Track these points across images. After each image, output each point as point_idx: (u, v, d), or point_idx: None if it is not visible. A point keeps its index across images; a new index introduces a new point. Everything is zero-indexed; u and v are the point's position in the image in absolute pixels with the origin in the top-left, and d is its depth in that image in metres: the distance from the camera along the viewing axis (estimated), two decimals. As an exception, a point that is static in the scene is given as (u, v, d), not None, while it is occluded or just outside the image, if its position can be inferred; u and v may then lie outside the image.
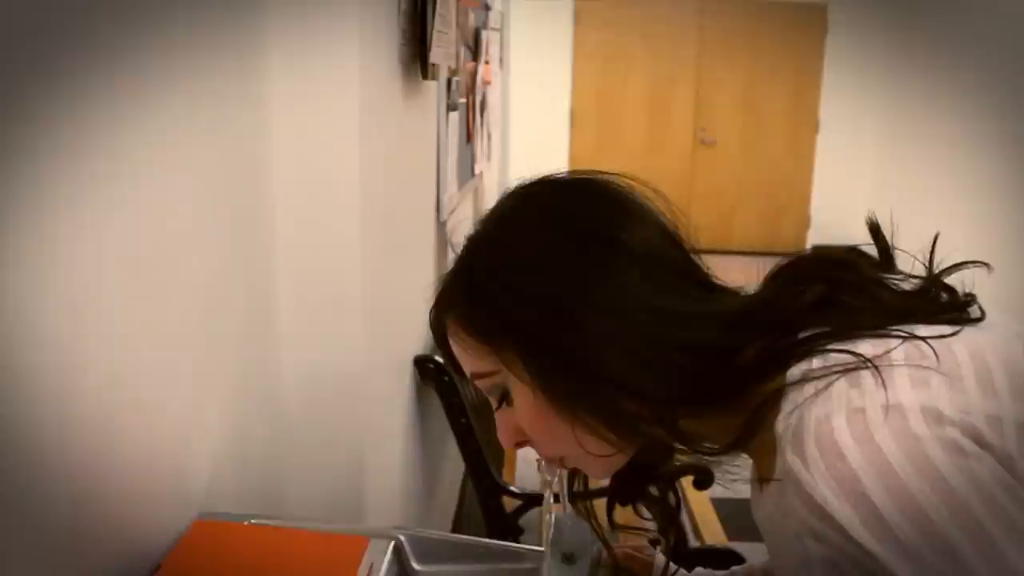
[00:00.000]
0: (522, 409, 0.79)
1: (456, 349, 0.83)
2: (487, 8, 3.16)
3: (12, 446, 0.62)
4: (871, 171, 7.60)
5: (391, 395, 1.69)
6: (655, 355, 0.73)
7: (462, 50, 2.37)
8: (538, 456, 0.86)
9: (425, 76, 1.54)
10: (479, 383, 0.82)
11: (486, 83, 3.16)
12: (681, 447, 0.78)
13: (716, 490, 2.92)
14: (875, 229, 0.84)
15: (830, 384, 0.66)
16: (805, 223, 8.06)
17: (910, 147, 6.91)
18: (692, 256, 0.84)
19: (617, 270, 0.76)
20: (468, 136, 2.58)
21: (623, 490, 0.95)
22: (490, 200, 3.35)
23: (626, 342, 0.73)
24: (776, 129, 7.91)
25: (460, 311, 0.80)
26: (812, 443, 0.63)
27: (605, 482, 0.93)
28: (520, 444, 0.84)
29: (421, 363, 1.86)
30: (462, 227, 2.47)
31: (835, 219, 7.98)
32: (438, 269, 2.13)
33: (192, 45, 0.92)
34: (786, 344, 0.72)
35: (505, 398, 0.80)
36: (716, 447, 0.75)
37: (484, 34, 2.92)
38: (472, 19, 2.57)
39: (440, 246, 2.13)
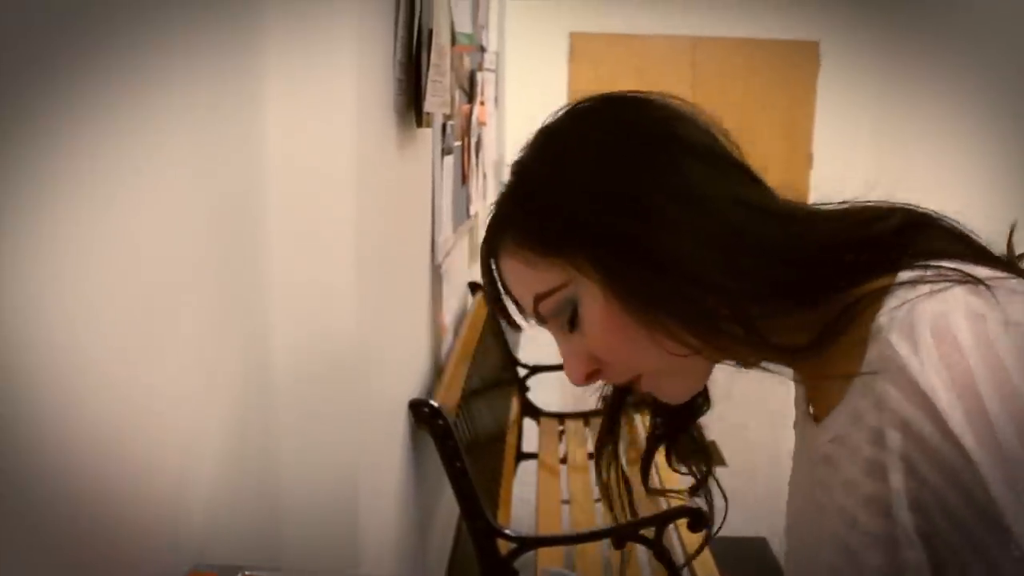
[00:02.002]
0: (595, 322, 0.75)
1: (515, 277, 0.79)
2: (483, 50, 3.19)
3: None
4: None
5: (386, 439, 1.70)
6: (735, 246, 0.71)
7: (457, 94, 2.39)
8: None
9: (420, 124, 1.56)
10: (545, 308, 0.77)
11: (481, 124, 3.19)
12: (760, 346, 0.72)
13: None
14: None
15: (947, 289, 0.64)
16: (800, 257, 8.07)
17: (901, 180, 6.93)
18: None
19: (685, 163, 0.74)
20: (463, 178, 2.60)
21: (671, 432, 0.92)
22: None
23: (703, 231, 0.71)
24: (770, 163, 7.79)
25: (519, 228, 0.77)
26: (927, 331, 0.61)
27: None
28: (591, 377, 0.80)
29: (416, 407, 1.87)
30: (457, 267, 2.47)
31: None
32: (433, 312, 2.15)
33: (191, 106, 0.94)
34: (901, 245, 0.70)
35: (574, 320, 0.76)
36: (798, 345, 0.71)
37: (479, 76, 2.95)
38: (467, 62, 2.60)
39: (436, 288, 2.14)
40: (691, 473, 0.94)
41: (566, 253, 0.74)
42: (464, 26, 2.23)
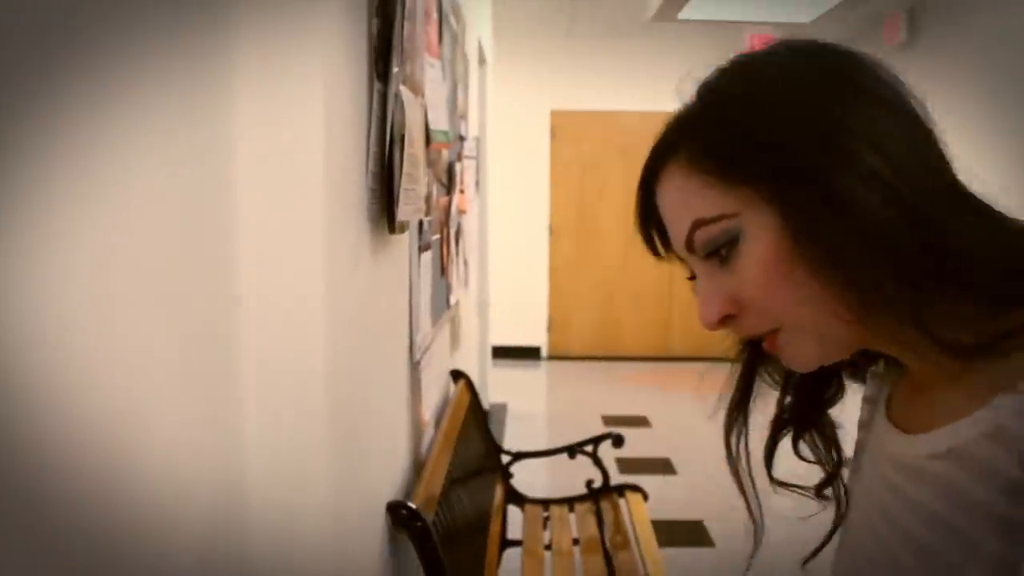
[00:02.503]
0: (757, 261, 0.72)
1: (678, 200, 0.77)
2: (462, 139, 3.25)
3: None
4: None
5: (364, 542, 1.68)
6: (926, 218, 0.67)
7: (435, 188, 2.43)
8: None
9: (392, 231, 1.58)
10: (702, 236, 0.74)
11: (461, 212, 3.23)
12: (922, 331, 0.68)
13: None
14: None
15: None
16: (785, 328, 8.12)
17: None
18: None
19: (890, 120, 0.71)
20: (442, 270, 2.62)
21: (801, 418, 0.88)
22: (468, 324, 3.38)
23: (898, 193, 0.68)
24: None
25: (700, 147, 0.74)
26: None
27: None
28: (725, 321, 0.77)
29: (394, 509, 1.86)
30: (438, 358, 2.47)
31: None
32: (413, 408, 2.15)
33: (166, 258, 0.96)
34: None
35: (728, 255, 0.74)
36: (963, 344, 0.68)
37: (458, 166, 2.99)
38: (445, 156, 2.64)
39: (415, 385, 2.14)
40: (820, 464, 0.90)
41: (750, 180, 0.71)
42: (440, 124, 2.27)
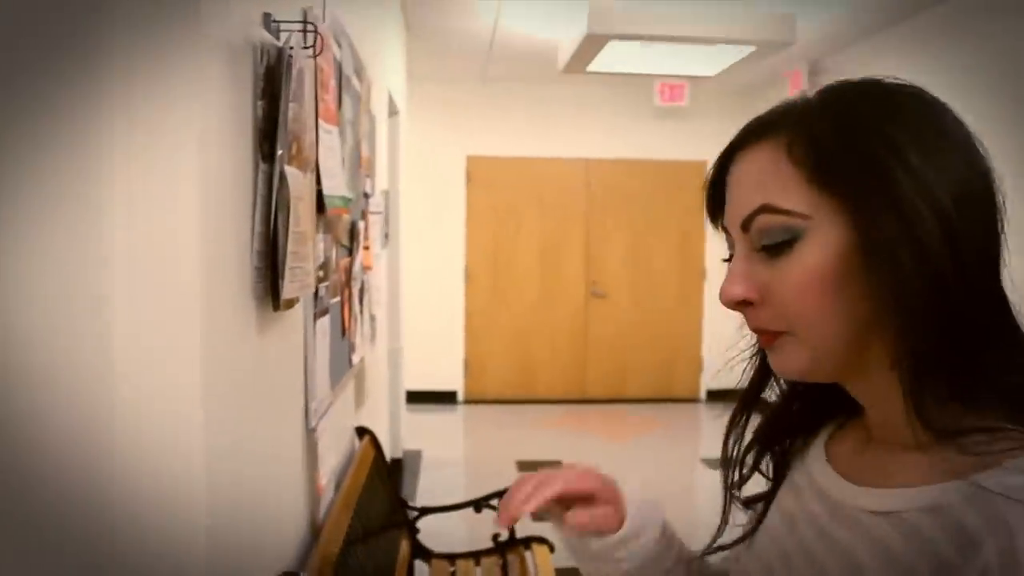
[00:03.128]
0: (809, 267, 0.75)
1: (759, 179, 0.78)
2: (367, 196, 3.27)
3: None
4: (756, 319, 7.88)
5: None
6: (983, 302, 0.73)
7: (334, 253, 2.45)
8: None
9: (278, 308, 1.59)
10: (763, 222, 0.77)
11: (366, 269, 3.24)
12: (913, 391, 0.73)
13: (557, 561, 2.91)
14: None
15: None
16: (698, 368, 8.28)
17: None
18: None
19: (988, 191, 0.75)
20: (343, 331, 2.63)
21: (780, 429, 0.94)
22: (376, 378, 3.38)
23: (981, 246, 0.73)
24: (665, 279, 8.20)
25: (801, 136, 0.76)
26: None
27: None
28: (741, 305, 0.81)
29: (286, 581, 1.85)
30: (339, 417, 2.47)
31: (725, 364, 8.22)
32: (309, 474, 2.15)
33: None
34: None
35: (778, 250, 0.76)
36: (937, 420, 0.72)
37: (362, 224, 3.01)
38: (347, 218, 2.66)
39: (310, 452, 2.15)
40: (765, 477, 0.96)
41: (838, 191, 0.73)
42: (338, 190, 2.30)
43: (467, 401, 8.13)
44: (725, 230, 0.84)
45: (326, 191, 2.12)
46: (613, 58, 5.23)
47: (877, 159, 0.72)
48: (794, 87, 6.85)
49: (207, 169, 1.30)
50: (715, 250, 8.15)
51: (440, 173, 7.89)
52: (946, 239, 0.71)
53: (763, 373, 0.95)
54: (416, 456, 6.22)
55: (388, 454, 5.22)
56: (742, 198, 0.79)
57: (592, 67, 5.44)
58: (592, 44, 4.87)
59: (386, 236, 4.53)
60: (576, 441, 6.87)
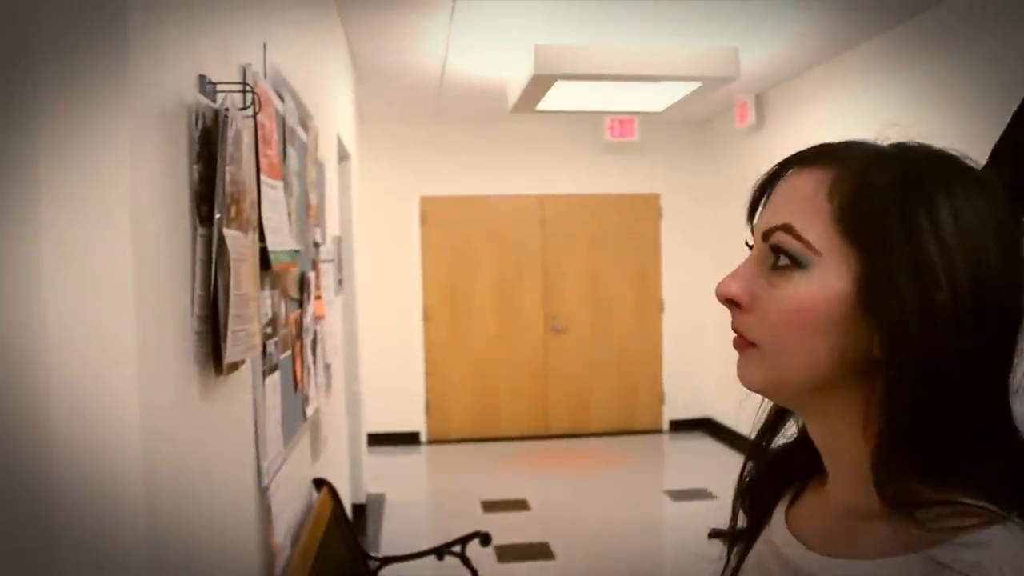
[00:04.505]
0: (800, 297, 0.77)
1: (794, 195, 0.80)
2: (317, 245, 3.25)
3: None
4: (715, 345, 7.95)
5: None
6: (970, 387, 0.73)
7: (283, 307, 2.43)
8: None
9: (220, 373, 1.57)
10: (779, 238, 0.79)
11: (319, 319, 3.22)
12: (880, 456, 0.74)
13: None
14: None
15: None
16: (660, 400, 8.30)
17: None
18: None
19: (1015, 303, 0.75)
20: (295, 385, 2.61)
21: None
22: (334, 426, 3.34)
23: (992, 340, 0.73)
24: (624, 311, 8.23)
25: (845, 182, 0.77)
26: None
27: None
28: (730, 303, 0.83)
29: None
30: (294, 471, 2.44)
31: (687, 394, 8.26)
32: (262, 535, 2.11)
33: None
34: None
35: (783, 269, 0.78)
36: (897, 493, 0.73)
37: (311, 275, 2.99)
38: (295, 271, 2.64)
39: (263, 512, 2.11)
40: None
41: (859, 246, 0.75)
42: (284, 244, 2.28)
43: (430, 441, 8.07)
44: (751, 227, 0.87)
45: (271, 247, 2.10)
46: (562, 97, 5.27)
47: (916, 223, 0.73)
48: (741, 119, 6.95)
49: (141, 235, 1.28)
50: (671, 281, 8.22)
51: (394, 214, 7.88)
52: (957, 316, 0.71)
53: (778, 416, 0.95)
54: (379, 500, 6.15)
55: (350, 499, 5.17)
56: (775, 211, 0.82)
57: (541, 106, 5.48)
58: (539, 84, 4.90)
59: (340, 282, 4.50)
60: (541, 478, 6.84)
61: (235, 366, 1.67)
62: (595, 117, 7.25)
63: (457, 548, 3.38)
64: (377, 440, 7.53)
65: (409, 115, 7.49)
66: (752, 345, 0.81)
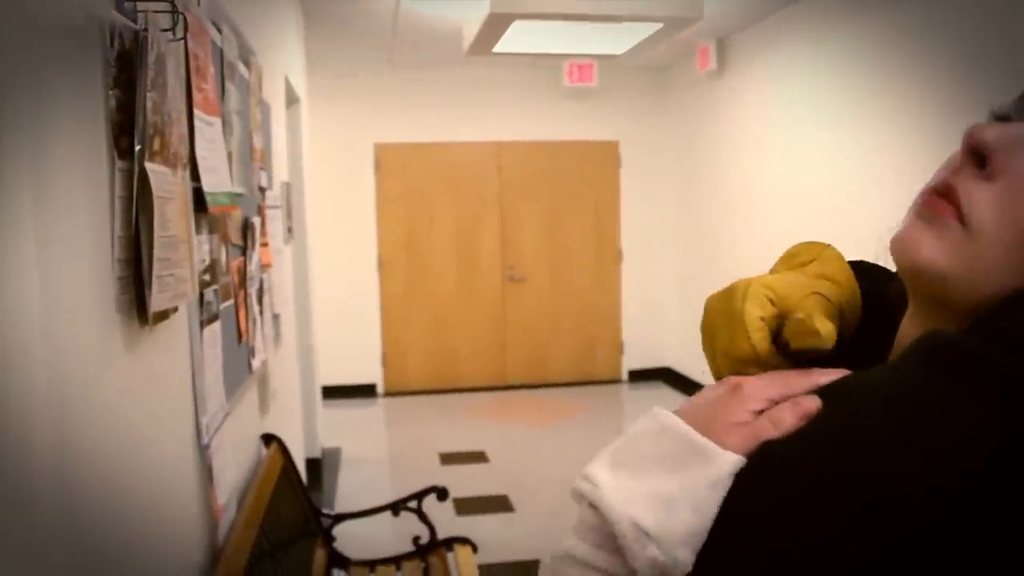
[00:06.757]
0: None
1: None
2: (263, 190, 3.09)
3: None
4: (675, 294, 7.90)
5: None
6: None
7: (224, 254, 2.27)
8: None
9: (146, 324, 1.43)
10: None
11: (266, 267, 3.07)
12: None
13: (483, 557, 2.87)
14: None
15: None
16: (619, 350, 8.25)
17: (706, 266, 7.22)
18: None
19: None
20: (240, 336, 2.46)
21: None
22: (285, 379, 3.19)
23: None
24: (582, 261, 8.13)
25: None
26: None
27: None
28: (978, 153, 0.60)
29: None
30: (240, 426, 2.31)
31: (646, 344, 8.22)
32: (204, 496, 1.98)
33: None
34: None
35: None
36: None
37: (256, 221, 2.83)
38: (238, 215, 2.49)
39: (204, 471, 1.98)
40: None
41: None
42: (223, 186, 2.13)
43: (387, 394, 7.96)
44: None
45: (208, 188, 1.95)
46: (519, 39, 5.09)
47: None
48: (702, 64, 6.82)
49: (44, 164, 1.13)
50: (631, 230, 8.12)
51: (348, 162, 7.67)
52: None
53: None
54: (336, 454, 6.04)
55: (304, 454, 5.05)
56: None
57: (498, 48, 5.30)
58: (496, 24, 4.72)
59: (289, 230, 4.33)
60: (499, 429, 6.76)
61: (165, 314, 1.53)
62: (553, 62, 7.08)
63: (413, 503, 3.28)
64: (333, 393, 7.39)
65: (363, 60, 7.24)
66: (961, 221, 0.60)
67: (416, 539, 3.29)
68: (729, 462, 0.57)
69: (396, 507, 3.27)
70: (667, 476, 0.59)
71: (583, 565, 0.60)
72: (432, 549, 3.27)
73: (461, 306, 7.96)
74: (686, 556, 0.56)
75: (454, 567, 3.18)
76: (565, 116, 7.96)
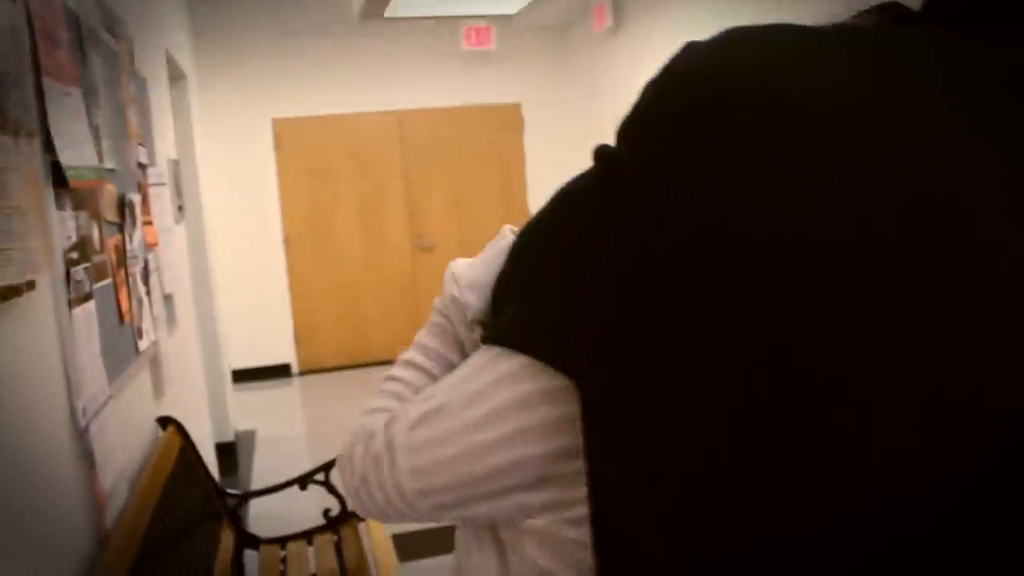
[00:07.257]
0: None
1: None
2: (143, 166, 2.97)
3: None
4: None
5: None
6: None
7: (97, 231, 2.18)
8: None
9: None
10: None
11: (152, 246, 2.96)
12: None
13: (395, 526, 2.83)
14: None
15: None
16: (533, 313, 8.23)
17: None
18: None
19: None
20: (121, 317, 2.37)
21: None
22: (185, 361, 3.11)
23: None
24: (490, 226, 8.07)
25: None
26: None
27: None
28: None
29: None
30: (133, 410, 2.23)
31: (560, 306, 8.24)
32: (86, 483, 1.91)
33: None
34: None
35: None
36: None
37: (135, 198, 2.72)
38: (113, 191, 2.39)
39: (83, 456, 1.90)
40: None
41: None
42: (86, 160, 2.03)
43: (302, 372, 7.84)
44: None
45: (66, 161, 1.86)
46: (412, 1, 5.01)
47: None
48: (599, 23, 6.81)
49: None
50: (537, 192, 8.11)
51: (245, 138, 7.48)
52: None
53: None
54: (250, 437, 5.94)
55: (215, 438, 4.95)
56: None
57: (390, 12, 5.21)
58: (384, -13, 4.63)
59: (180, 209, 4.20)
60: (416, 400, 6.71)
61: (17, 290, 1.45)
62: (451, 27, 7.00)
63: (321, 476, 3.23)
64: (247, 375, 7.27)
65: (253, 31, 7.05)
66: None
67: (327, 511, 3.24)
68: (508, 239, 0.86)
69: (304, 481, 3.21)
70: (484, 254, 0.89)
71: (434, 311, 0.92)
72: (344, 521, 3.23)
73: (371, 279, 7.87)
74: (470, 298, 0.86)
75: (367, 537, 3.14)
76: (466, 81, 7.88)
